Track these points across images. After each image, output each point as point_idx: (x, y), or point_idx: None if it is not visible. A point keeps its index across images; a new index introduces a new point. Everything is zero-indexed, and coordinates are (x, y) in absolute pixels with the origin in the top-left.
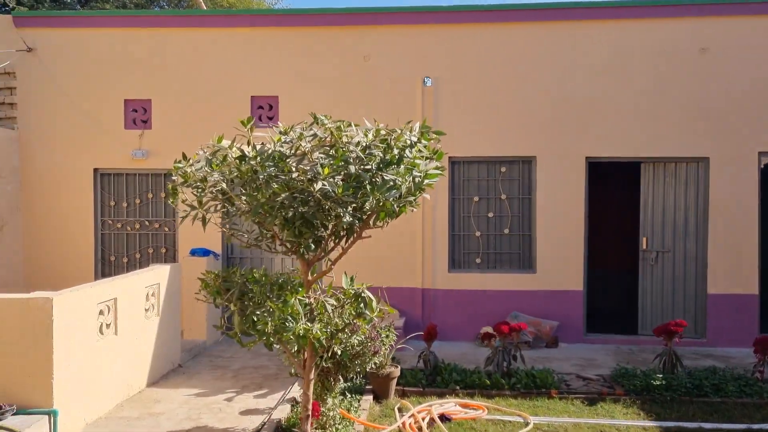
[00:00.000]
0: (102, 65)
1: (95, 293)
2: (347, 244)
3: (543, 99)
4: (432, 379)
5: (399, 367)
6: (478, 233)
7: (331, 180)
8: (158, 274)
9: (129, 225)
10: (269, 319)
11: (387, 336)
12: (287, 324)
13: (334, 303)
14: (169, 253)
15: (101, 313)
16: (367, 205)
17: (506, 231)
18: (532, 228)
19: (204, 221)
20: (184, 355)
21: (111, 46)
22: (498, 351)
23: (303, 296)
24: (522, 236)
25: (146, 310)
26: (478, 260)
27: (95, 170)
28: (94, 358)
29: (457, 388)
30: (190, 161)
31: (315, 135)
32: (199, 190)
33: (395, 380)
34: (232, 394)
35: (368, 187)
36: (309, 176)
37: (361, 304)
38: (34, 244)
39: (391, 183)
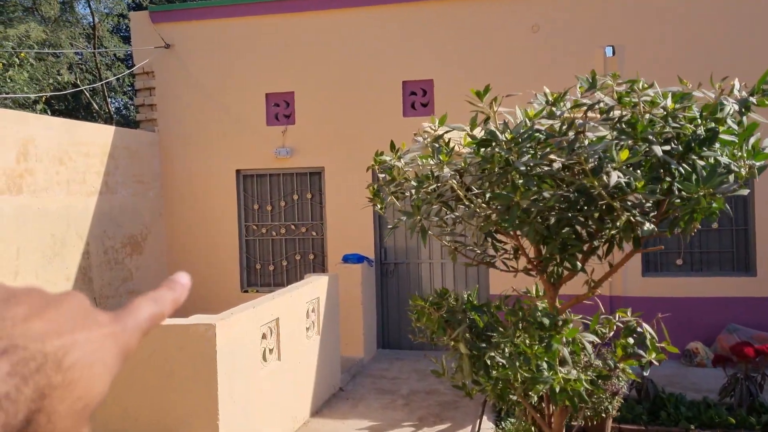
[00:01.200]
0: (240, 57)
1: (258, 315)
2: (621, 260)
3: None
4: (653, 413)
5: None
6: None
7: (628, 169)
8: (317, 287)
9: (274, 230)
10: (517, 367)
11: (624, 370)
12: (540, 373)
13: (595, 340)
14: (317, 259)
15: (264, 336)
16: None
17: (714, 225)
18: (749, 221)
19: (424, 232)
20: (343, 377)
21: (247, 36)
22: (739, 380)
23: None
24: (736, 231)
25: (307, 329)
26: (678, 261)
27: (237, 172)
28: (258, 390)
29: (691, 427)
30: (398, 152)
31: (597, 103)
32: (418, 190)
33: (610, 418)
34: (409, 429)
35: (679, 173)
36: (591, 164)
37: (631, 340)
38: (177, 253)
39: (723, 168)
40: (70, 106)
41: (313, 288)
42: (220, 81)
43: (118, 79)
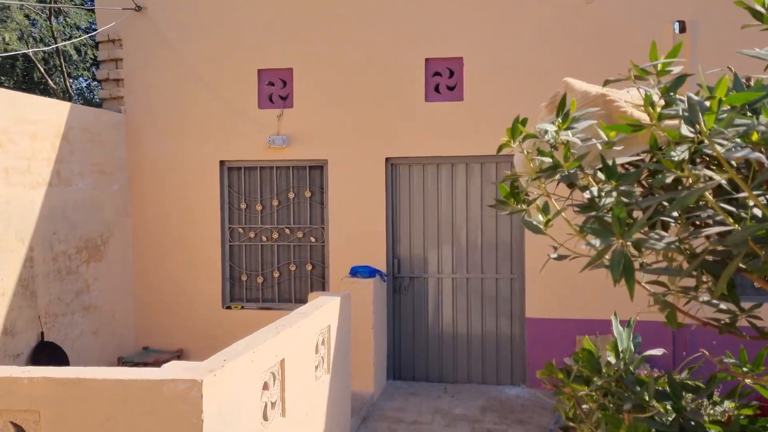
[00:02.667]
0: (228, 24)
1: (259, 359)
2: None
3: None
4: None
5: None
6: None
7: None
8: (329, 311)
9: (264, 234)
10: None
11: None
12: None
13: None
14: (316, 270)
15: (265, 386)
16: None
17: None
18: None
19: (630, 272)
20: (353, 421)
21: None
22: None
23: None
24: None
25: (316, 367)
26: None
27: (221, 163)
28: None
29: None
30: (566, 116)
31: None
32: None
33: None
34: None
35: None
36: None
37: None
38: (146, 260)
39: None
40: (20, 82)
41: (325, 314)
42: (203, 52)
43: (80, 53)
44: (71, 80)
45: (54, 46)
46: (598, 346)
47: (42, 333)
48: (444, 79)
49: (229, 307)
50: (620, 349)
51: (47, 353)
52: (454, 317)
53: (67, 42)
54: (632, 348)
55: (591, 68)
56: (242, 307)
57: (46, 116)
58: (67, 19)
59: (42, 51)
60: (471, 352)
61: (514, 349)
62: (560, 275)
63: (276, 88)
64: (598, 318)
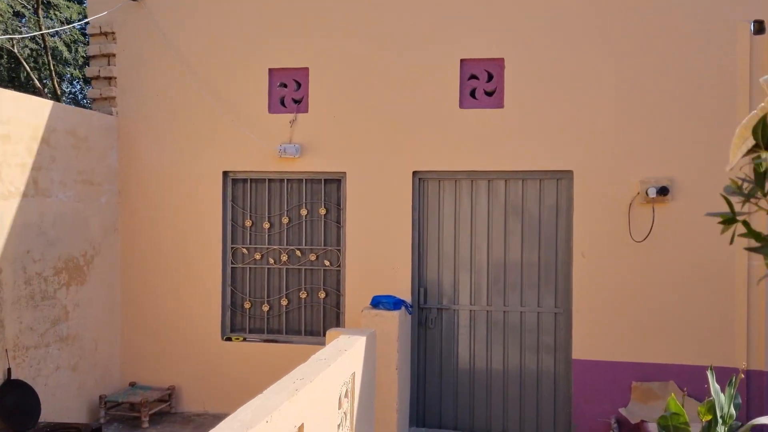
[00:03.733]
0: (235, 17)
1: None
2: None
3: None
4: None
5: None
6: None
7: None
8: (353, 357)
9: (272, 256)
10: None
11: None
12: None
13: None
14: (330, 298)
15: None
16: None
17: None
18: None
19: None
20: None
21: None
22: None
23: None
24: None
25: (338, 426)
26: None
27: (225, 174)
28: None
29: None
30: None
31: None
32: None
33: None
34: None
35: None
36: None
37: None
38: (136, 284)
39: None
40: (5, 82)
41: (349, 359)
42: (206, 48)
43: (71, 50)
44: (64, 83)
45: (37, 33)
46: (659, 395)
47: (9, 369)
48: (482, 83)
49: (229, 339)
50: (720, 413)
51: (14, 394)
52: (488, 356)
53: (51, 31)
54: (733, 412)
55: (650, 72)
56: (244, 339)
57: (21, 115)
58: (57, 13)
59: (29, 48)
60: (507, 398)
61: (558, 396)
62: (611, 311)
63: (289, 90)
64: (654, 362)
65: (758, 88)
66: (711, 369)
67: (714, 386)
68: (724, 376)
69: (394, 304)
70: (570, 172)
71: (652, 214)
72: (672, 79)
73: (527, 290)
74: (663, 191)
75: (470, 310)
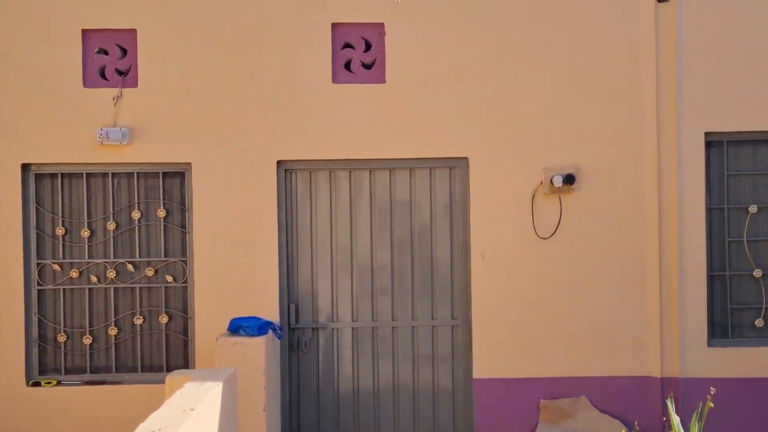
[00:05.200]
0: None
1: None
2: None
3: None
4: None
5: None
6: (758, 273)
7: None
8: (205, 417)
9: (95, 272)
10: None
11: None
12: None
13: None
14: (175, 324)
15: None
16: None
17: None
18: None
19: None
20: None
21: None
22: None
23: None
24: None
25: None
26: (758, 322)
27: (24, 168)
28: None
29: None
30: None
31: None
32: None
33: None
34: None
35: None
36: None
37: None
38: None
39: None
40: None
41: (200, 419)
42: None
43: None
44: None
45: None
46: (570, 413)
47: None
48: (358, 53)
49: (37, 383)
50: None
51: None
52: (375, 383)
53: None
54: None
55: (553, 47)
56: (59, 383)
57: None
58: None
59: None
60: (399, 430)
61: (458, 422)
62: (515, 321)
63: (111, 59)
64: (564, 376)
65: (665, 63)
66: (671, 398)
67: (675, 419)
68: (639, 386)
69: (259, 327)
70: (465, 160)
71: (558, 206)
72: (575, 55)
73: (419, 301)
74: (569, 179)
75: (352, 328)
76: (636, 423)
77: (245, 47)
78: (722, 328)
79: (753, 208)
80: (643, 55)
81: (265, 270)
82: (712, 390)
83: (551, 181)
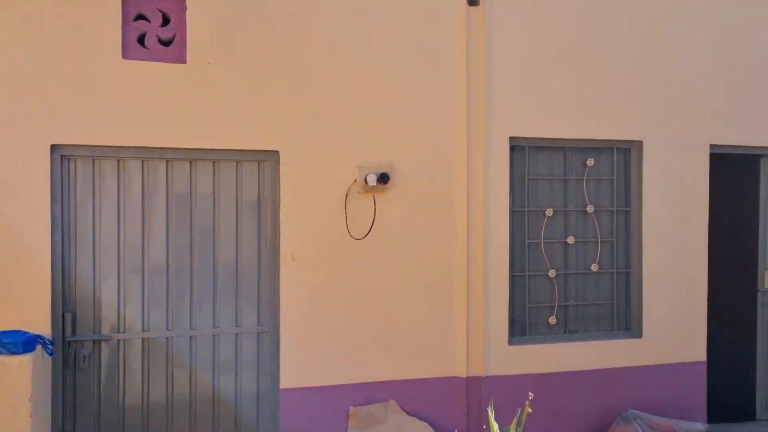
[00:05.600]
0: None
1: None
2: None
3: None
4: None
5: None
6: (552, 273)
7: None
8: None
9: None
10: None
11: None
12: None
13: None
14: None
15: None
16: None
17: (594, 268)
18: (633, 261)
19: None
20: None
21: None
22: None
23: None
24: (616, 275)
25: None
26: (552, 320)
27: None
28: None
29: None
30: None
31: None
32: None
33: None
34: None
35: None
36: None
37: None
38: None
39: None
40: None
41: None
42: None
43: None
44: None
45: None
46: (379, 418)
47: None
48: (154, 27)
49: None
50: None
51: None
52: (168, 401)
53: None
54: None
55: (368, 40)
56: None
57: None
58: None
59: None
60: None
61: None
62: (327, 326)
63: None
64: (375, 380)
65: (475, 67)
66: (491, 405)
67: (494, 426)
68: (447, 386)
69: (25, 343)
70: (275, 153)
71: (373, 206)
72: (392, 53)
73: (222, 306)
74: (384, 178)
75: (143, 339)
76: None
77: (10, 14)
78: (521, 327)
79: (549, 212)
80: (456, 58)
81: (34, 273)
82: (530, 395)
83: (365, 179)
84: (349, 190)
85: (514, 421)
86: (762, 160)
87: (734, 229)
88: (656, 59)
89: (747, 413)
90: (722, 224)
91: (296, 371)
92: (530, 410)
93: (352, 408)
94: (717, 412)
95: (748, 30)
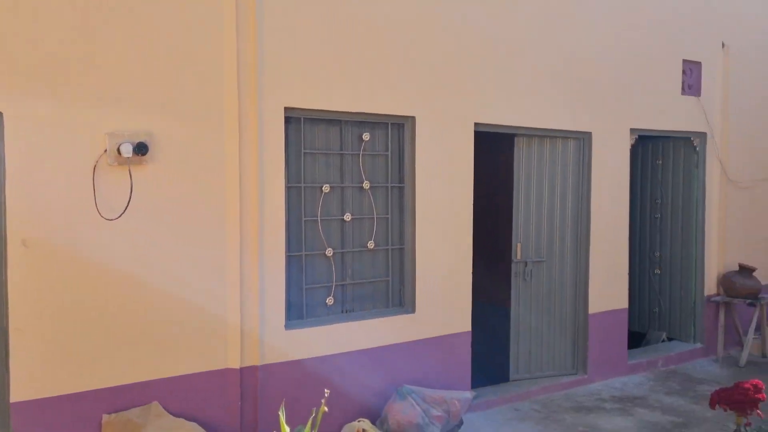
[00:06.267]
0: None
1: None
2: None
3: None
4: None
5: None
6: (329, 251)
7: None
8: None
9: None
10: None
11: None
12: None
13: None
14: None
15: None
16: None
17: (370, 245)
18: (407, 238)
19: None
20: None
21: None
22: None
23: None
24: (391, 252)
25: None
26: (329, 300)
27: None
28: None
29: None
30: None
31: None
32: None
33: None
34: None
35: None
36: None
37: None
38: None
39: None
40: None
41: None
42: None
43: None
44: None
45: None
46: (140, 424)
47: None
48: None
49: None
50: None
51: None
52: None
53: None
54: None
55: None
56: None
57: None
58: None
59: None
60: None
61: None
62: (70, 322)
63: None
64: (132, 381)
65: (245, 33)
66: (282, 409)
67: (286, 429)
68: (218, 380)
69: None
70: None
71: (129, 181)
72: (156, 14)
73: None
74: (141, 149)
75: None
76: None
77: None
78: (298, 309)
79: (326, 188)
80: (226, 21)
81: None
82: (326, 392)
83: (119, 149)
84: (97, 162)
85: (309, 422)
86: (515, 138)
87: (494, 204)
88: (432, 38)
89: (503, 376)
90: (486, 200)
91: (33, 380)
92: (326, 409)
93: (105, 416)
94: (479, 378)
95: (509, 15)
